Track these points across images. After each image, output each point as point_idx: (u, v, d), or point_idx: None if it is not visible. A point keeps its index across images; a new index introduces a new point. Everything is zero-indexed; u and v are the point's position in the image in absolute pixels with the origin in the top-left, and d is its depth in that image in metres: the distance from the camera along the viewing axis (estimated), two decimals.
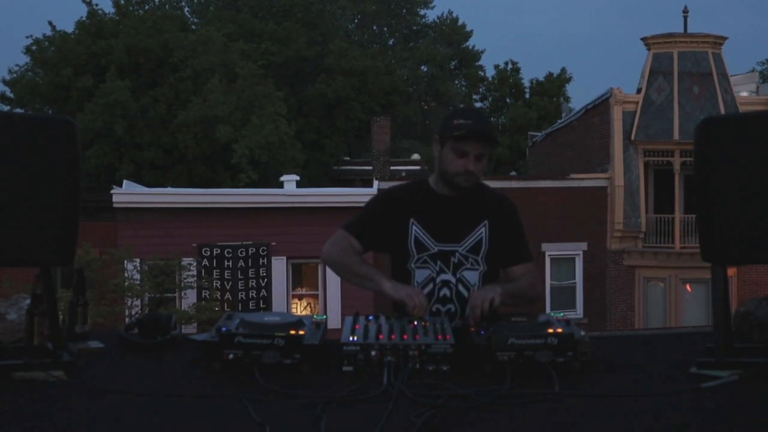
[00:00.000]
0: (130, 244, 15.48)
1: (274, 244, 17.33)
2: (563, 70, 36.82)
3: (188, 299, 16.03)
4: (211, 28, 30.26)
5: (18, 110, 26.65)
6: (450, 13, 43.02)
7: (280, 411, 1.70)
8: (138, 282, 15.25)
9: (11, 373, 1.95)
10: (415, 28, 43.06)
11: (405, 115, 35.86)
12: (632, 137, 18.77)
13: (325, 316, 2.33)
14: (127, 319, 13.15)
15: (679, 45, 18.89)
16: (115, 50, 28.18)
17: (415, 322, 2.20)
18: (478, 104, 38.12)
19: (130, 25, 29.33)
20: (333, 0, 37.43)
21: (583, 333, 2.07)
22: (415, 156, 32.94)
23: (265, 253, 17.37)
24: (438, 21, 42.99)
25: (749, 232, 1.93)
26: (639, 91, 19.06)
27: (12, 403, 1.76)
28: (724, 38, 19.28)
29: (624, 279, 18.88)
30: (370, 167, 23.08)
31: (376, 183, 18.50)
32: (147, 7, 33.55)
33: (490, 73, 38.93)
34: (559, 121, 25.05)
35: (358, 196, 16.16)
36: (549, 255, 18.38)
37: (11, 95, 30.92)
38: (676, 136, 18.40)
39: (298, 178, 21.06)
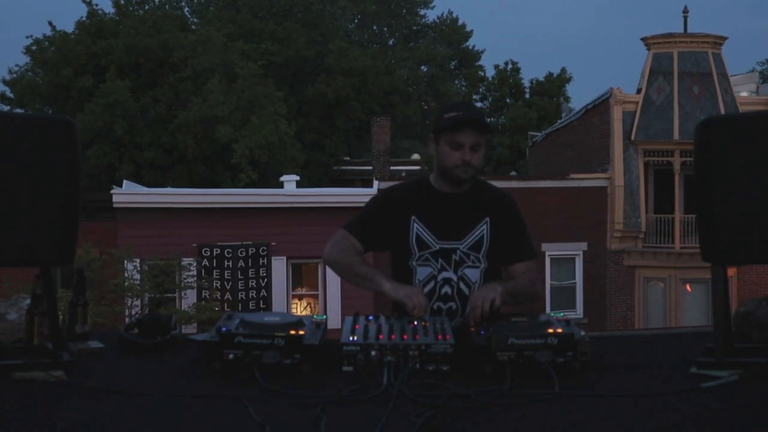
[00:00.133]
0: (130, 244, 15.48)
1: (274, 244, 17.33)
2: (563, 70, 36.76)
3: (188, 299, 16.03)
4: (211, 28, 30.26)
5: (18, 110, 26.65)
6: (450, 13, 43.06)
7: (280, 411, 1.70)
8: (138, 282, 15.26)
9: (11, 373, 1.95)
10: (415, 28, 43.07)
11: (405, 115, 35.86)
12: (632, 137, 18.77)
13: (325, 316, 2.33)
14: (127, 319, 13.16)
15: (679, 45, 18.89)
16: (115, 50, 28.18)
17: (415, 322, 2.20)
18: (478, 104, 38.05)
19: (130, 25, 29.34)
20: (333, 0, 37.44)
21: (583, 333, 2.07)
22: (415, 156, 32.95)
23: (265, 253, 17.37)
24: (438, 21, 43.00)
25: (749, 232, 1.93)
26: (639, 91, 19.05)
27: (12, 403, 1.76)
28: (724, 38, 19.27)
29: (624, 279, 18.88)
30: (370, 167, 23.10)
31: (376, 183, 18.50)
32: (147, 7, 33.55)
33: (490, 73, 38.87)
34: (559, 121, 25.04)
35: (358, 196, 16.16)
36: (549, 255, 18.38)
37: (11, 95, 30.93)
38: (676, 136, 18.40)
39: (298, 178, 21.06)
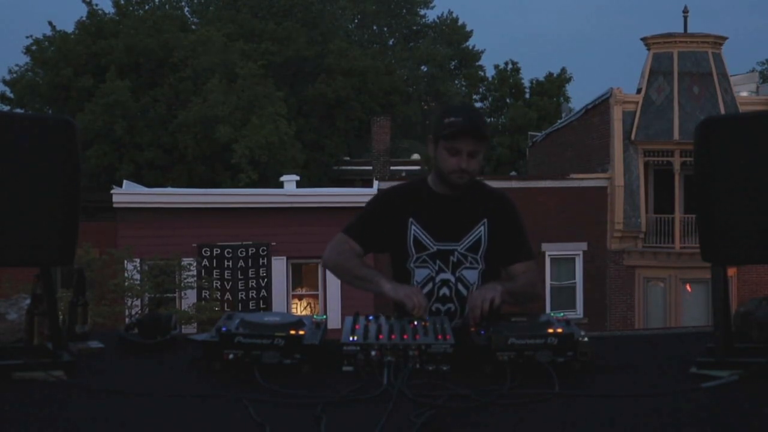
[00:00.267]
0: (130, 244, 15.49)
1: (274, 244, 17.33)
2: (563, 70, 36.78)
3: (188, 299, 16.03)
4: (211, 28, 30.26)
5: (18, 110, 26.64)
6: (450, 13, 43.09)
7: (280, 411, 1.70)
8: (138, 282, 15.26)
9: (11, 373, 1.95)
10: (415, 28, 43.08)
11: (405, 115, 35.87)
12: (632, 137, 18.77)
13: (325, 316, 2.33)
14: (127, 319, 13.16)
15: (679, 45, 18.89)
16: (115, 50, 28.18)
17: (415, 322, 2.20)
18: (478, 104, 38.07)
19: (130, 25, 29.33)
20: (333, 0, 37.44)
21: (583, 333, 2.07)
22: (415, 156, 32.94)
23: (265, 253, 17.37)
24: (438, 21, 43.02)
25: (749, 232, 1.93)
26: (639, 91, 19.05)
27: (12, 403, 1.76)
28: (724, 38, 19.28)
29: (624, 279, 18.88)
30: (370, 167, 23.10)
31: (376, 183, 18.50)
32: (147, 7, 33.55)
33: (490, 73, 38.90)
34: (559, 121, 25.04)
35: (358, 196, 16.17)
36: (549, 255, 18.38)
37: (11, 95, 30.92)
38: (676, 136, 18.40)
39: (298, 178, 21.06)
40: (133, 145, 27.72)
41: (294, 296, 18.23)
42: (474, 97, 38.61)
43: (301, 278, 18.34)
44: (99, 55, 28.39)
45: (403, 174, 25.07)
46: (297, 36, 32.50)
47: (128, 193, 17.84)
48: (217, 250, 17.12)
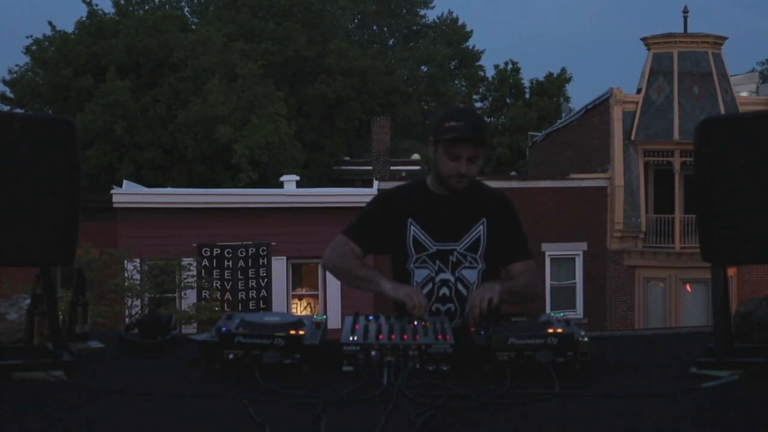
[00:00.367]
0: (130, 244, 15.49)
1: (274, 244, 17.33)
2: (563, 70, 36.80)
3: (188, 299, 16.03)
4: (211, 28, 30.26)
5: (18, 110, 26.65)
6: (450, 13, 43.08)
7: (280, 411, 1.70)
8: (138, 282, 15.26)
9: (11, 373, 1.95)
10: (415, 28, 43.07)
11: (405, 115, 35.87)
12: (632, 137, 18.77)
13: (325, 316, 2.34)
14: (127, 319, 13.16)
15: (679, 45, 18.89)
16: (115, 50, 28.18)
17: (415, 322, 2.20)
18: (478, 104, 38.10)
19: (130, 25, 29.33)
20: (333, 0, 37.44)
21: (583, 333, 2.07)
22: (415, 156, 32.94)
23: (265, 253, 17.37)
24: (438, 21, 43.01)
25: (749, 232, 1.93)
26: (639, 91, 19.05)
27: (12, 403, 1.76)
28: (724, 38, 19.27)
29: (624, 279, 18.88)
30: (370, 167, 23.09)
31: (376, 183, 18.49)
32: (147, 7, 33.54)
33: (490, 73, 38.92)
34: (559, 121, 25.04)
35: (358, 196, 16.17)
36: (549, 255, 18.38)
37: (11, 95, 30.92)
38: (676, 136, 18.40)
39: (298, 178, 21.06)
40: (133, 145, 27.72)
41: (294, 296, 18.23)
42: (474, 97, 38.62)
43: (301, 278, 18.34)
44: (99, 55, 28.39)
45: (403, 174, 25.07)
46: (297, 36, 32.50)
47: (128, 193, 17.84)
48: (217, 250, 17.12)
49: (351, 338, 2.04)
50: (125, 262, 15.18)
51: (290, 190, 19.52)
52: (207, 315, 14.32)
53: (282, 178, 21.04)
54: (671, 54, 18.85)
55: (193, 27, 33.91)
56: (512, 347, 2.00)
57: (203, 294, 16.26)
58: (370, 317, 2.23)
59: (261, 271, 17.36)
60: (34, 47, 30.04)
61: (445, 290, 2.62)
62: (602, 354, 2.15)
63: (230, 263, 17.18)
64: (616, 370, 2.07)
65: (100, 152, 27.05)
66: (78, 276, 2.40)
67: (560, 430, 1.60)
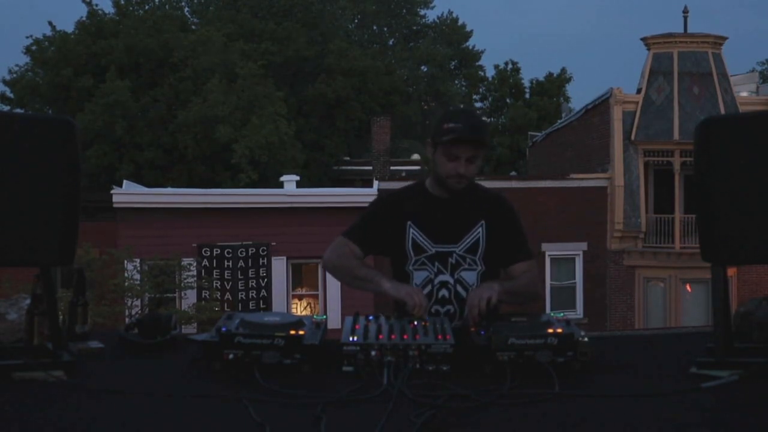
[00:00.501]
0: (130, 244, 15.48)
1: (274, 244, 17.33)
2: (563, 70, 36.83)
3: (188, 299, 16.03)
4: (211, 28, 30.26)
5: (18, 110, 26.65)
6: (450, 13, 43.06)
7: (280, 411, 1.70)
8: (138, 282, 15.25)
9: (11, 373, 1.95)
10: (415, 28, 43.06)
11: (405, 115, 35.86)
12: (632, 137, 18.77)
13: (325, 316, 2.34)
14: (127, 319, 13.15)
15: (679, 45, 18.89)
16: (115, 50, 28.18)
17: (415, 322, 2.20)
18: (478, 104, 38.14)
19: (130, 25, 29.33)
20: (333, 0, 37.44)
21: (583, 333, 2.07)
22: (415, 156, 32.93)
23: (265, 253, 17.36)
24: (438, 21, 43.00)
25: (749, 232, 1.93)
26: (639, 91, 19.05)
27: (12, 403, 1.76)
28: (724, 38, 19.27)
29: (624, 279, 18.88)
30: (370, 167, 23.08)
31: (376, 183, 18.49)
32: (147, 7, 33.55)
33: (490, 73, 38.96)
34: (559, 121, 25.04)
35: (358, 196, 16.16)
36: (549, 255, 18.38)
37: (11, 95, 30.93)
38: (676, 136, 18.40)
39: (298, 178, 21.06)
40: (133, 145, 27.72)
41: (294, 296, 18.23)
42: (474, 97, 38.65)
43: (301, 278, 18.34)
44: (99, 55, 28.39)
45: (403, 174, 25.07)
46: (297, 36, 32.50)
47: (128, 193, 17.84)
48: (217, 250, 17.12)
49: (351, 338, 2.04)
50: (125, 262, 15.18)
51: (290, 190, 19.52)
52: (207, 315, 14.32)
53: (282, 178, 21.04)
54: (671, 54, 18.85)
55: (193, 27, 33.91)
56: (512, 347, 2.00)
57: (203, 294, 16.25)
58: (370, 317, 2.23)
59: (261, 271, 17.36)
60: (34, 47, 30.04)
61: (444, 292, 2.62)
62: (602, 354, 2.15)
63: (230, 263, 17.18)
64: (616, 370, 2.07)
65: (100, 152, 27.05)
66: (78, 276, 2.40)
67: (560, 430, 1.60)
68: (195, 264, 16.19)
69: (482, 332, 2.10)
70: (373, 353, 2.00)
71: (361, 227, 2.71)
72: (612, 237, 18.86)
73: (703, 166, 1.96)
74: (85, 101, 27.11)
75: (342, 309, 15.82)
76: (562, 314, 2.28)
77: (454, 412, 1.68)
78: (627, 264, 18.87)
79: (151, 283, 15.33)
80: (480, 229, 2.63)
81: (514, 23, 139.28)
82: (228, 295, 17.07)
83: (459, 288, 2.61)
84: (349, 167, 32.56)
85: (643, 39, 19.43)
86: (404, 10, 42.65)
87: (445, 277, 2.62)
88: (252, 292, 17.34)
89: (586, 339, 2.03)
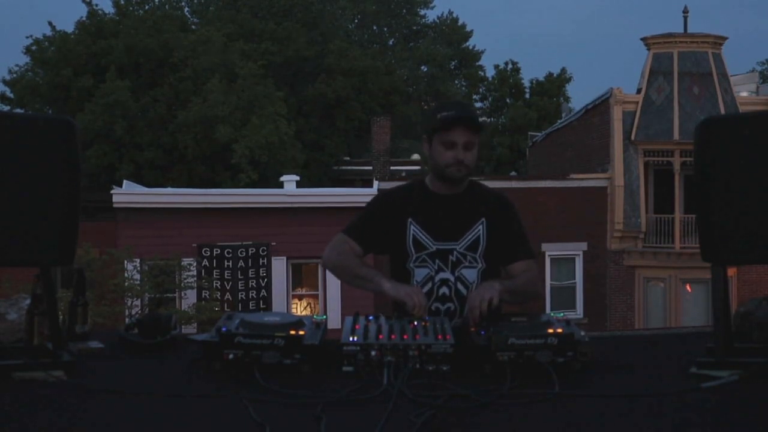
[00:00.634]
0: (130, 244, 15.48)
1: (274, 244, 17.33)
2: (563, 70, 36.84)
3: (188, 299, 16.03)
4: (211, 28, 30.26)
5: (18, 110, 26.64)
6: (450, 13, 43.05)
7: (280, 411, 1.70)
8: (138, 282, 15.25)
9: (11, 373, 1.95)
10: (415, 28, 43.05)
11: (405, 115, 35.86)
12: (632, 137, 18.77)
13: (325, 316, 2.33)
14: (127, 319, 13.15)
15: (679, 45, 18.89)
16: (115, 50, 28.17)
17: (415, 322, 2.20)
18: (478, 104, 38.11)
19: (130, 25, 29.32)
20: (333, 0, 37.43)
21: (583, 333, 2.07)
22: (415, 156, 32.94)
23: (265, 253, 17.36)
24: (438, 21, 42.99)
25: (749, 232, 1.93)
26: (639, 91, 19.05)
27: (12, 403, 1.76)
28: (724, 38, 19.27)
29: (624, 279, 18.88)
30: (370, 167, 23.08)
31: (376, 183, 18.49)
32: (147, 7, 33.53)
33: (490, 73, 38.96)
34: (559, 121, 25.04)
35: (358, 196, 16.17)
36: (549, 255, 18.38)
37: (11, 95, 30.91)
38: (676, 136, 18.40)
39: (298, 178, 21.06)
40: (133, 145, 27.71)
41: (294, 296, 18.22)
42: (474, 97, 38.63)
43: (301, 278, 18.34)
44: (99, 55, 28.38)
45: (403, 174, 25.07)
46: (297, 36, 32.49)
47: (128, 193, 17.84)
48: (217, 250, 17.11)
49: (351, 338, 2.04)
50: (125, 262, 15.18)
51: (290, 190, 19.52)
52: (207, 315, 14.31)
53: (282, 178, 21.04)
54: (671, 54, 18.85)
55: (193, 27, 33.90)
56: (512, 347, 2.00)
57: (203, 294, 16.25)
58: (370, 317, 2.23)
59: (261, 271, 17.36)
60: (34, 47, 30.03)
61: (444, 289, 2.61)
62: (602, 354, 2.15)
63: (230, 263, 17.18)
64: (616, 370, 2.07)
65: (100, 152, 27.04)
66: (78, 276, 2.40)
67: (560, 430, 1.60)
68: (195, 264, 16.19)
69: (482, 332, 2.10)
70: (373, 353, 2.00)
71: (361, 225, 2.71)
72: (612, 237, 18.86)
73: (703, 166, 1.96)
74: (85, 101, 27.10)
75: (342, 309, 15.82)
76: (562, 314, 2.28)
77: (454, 412, 1.68)
78: (627, 264, 18.87)
79: (151, 283, 15.33)
80: (480, 227, 2.63)
81: (514, 23, 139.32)
82: (228, 295, 17.07)
83: (459, 285, 2.61)
84: (349, 167, 32.57)
85: (643, 39, 19.43)
86: (404, 10, 42.65)
87: (446, 274, 2.62)
88: (252, 292, 17.34)
89: (586, 339, 2.03)
